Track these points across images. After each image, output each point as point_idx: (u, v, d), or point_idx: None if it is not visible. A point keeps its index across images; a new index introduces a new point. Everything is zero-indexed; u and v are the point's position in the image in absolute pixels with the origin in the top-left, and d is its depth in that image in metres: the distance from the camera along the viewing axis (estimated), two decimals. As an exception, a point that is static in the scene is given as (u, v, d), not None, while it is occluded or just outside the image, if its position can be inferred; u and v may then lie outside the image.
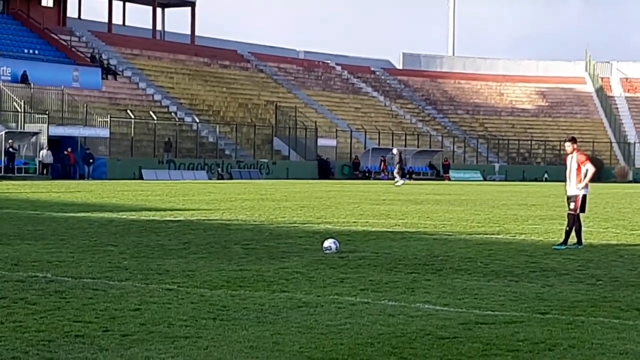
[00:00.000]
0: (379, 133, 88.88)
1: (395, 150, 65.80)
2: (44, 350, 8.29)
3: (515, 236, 21.30)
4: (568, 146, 18.88)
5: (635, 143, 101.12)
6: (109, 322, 9.74)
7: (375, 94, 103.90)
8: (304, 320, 10.13)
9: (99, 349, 8.42)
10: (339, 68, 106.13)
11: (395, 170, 62.81)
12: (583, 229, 19.29)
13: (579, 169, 18.66)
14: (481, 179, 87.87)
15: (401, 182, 59.82)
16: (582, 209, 18.79)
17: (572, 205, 18.67)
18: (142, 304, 10.92)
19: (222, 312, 10.51)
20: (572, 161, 18.67)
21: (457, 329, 9.75)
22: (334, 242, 16.92)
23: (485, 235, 21.36)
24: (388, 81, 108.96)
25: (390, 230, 22.38)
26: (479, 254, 17.13)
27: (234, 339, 9.05)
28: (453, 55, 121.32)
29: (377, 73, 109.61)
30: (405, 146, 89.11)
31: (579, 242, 18.62)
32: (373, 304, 11.33)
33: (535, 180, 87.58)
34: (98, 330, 9.30)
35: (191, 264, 14.99)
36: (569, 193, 18.92)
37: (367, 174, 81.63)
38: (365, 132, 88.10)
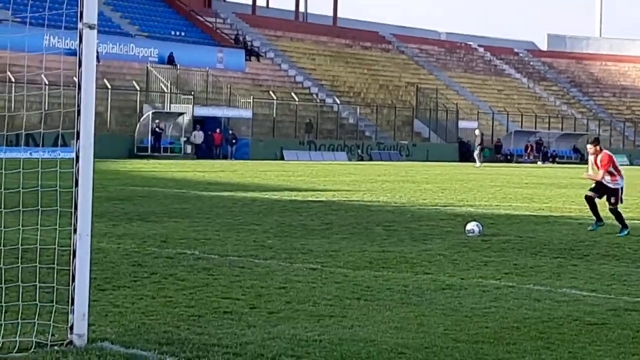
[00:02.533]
0: (522, 116, 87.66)
1: (477, 132, 64.86)
2: (194, 325, 8.50)
3: (664, 222, 20.73)
4: (590, 148, 18.41)
5: None
6: (256, 300, 9.92)
7: (518, 75, 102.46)
8: (448, 302, 10.12)
9: (246, 326, 8.59)
10: (481, 49, 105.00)
11: (476, 152, 62.17)
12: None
13: (600, 167, 18.14)
14: (628, 163, 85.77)
15: (478, 164, 59.49)
16: (618, 201, 18.22)
17: (612, 200, 18.07)
18: (287, 283, 11.08)
19: (366, 293, 10.57)
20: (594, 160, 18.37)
21: (606, 315, 9.58)
22: (477, 225, 16.80)
23: (634, 221, 20.84)
24: (532, 63, 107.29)
25: (534, 214, 22.08)
26: (627, 240, 16.78)
27: (379, 319, 9.10)
28: (599, 36, 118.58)
29: (521, 54, 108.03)
30: (549, 129, 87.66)
31: (599, 221, 18.34)
32: (518, 288, 11.23)
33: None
34: (245, 307, 9.48)
35: (334, 244, 15.11)
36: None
37: (508, 157, 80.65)
38: (508, 114, 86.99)
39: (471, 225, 16.80)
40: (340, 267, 12.57)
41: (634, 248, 15.52)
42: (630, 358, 7.84)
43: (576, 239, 16.70)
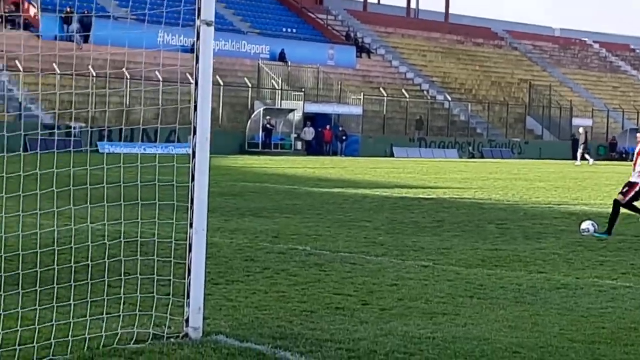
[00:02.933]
0: (638, 113, 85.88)
1: (581, 130, 63.43)
2: (306, 321, 8.55)
3: None
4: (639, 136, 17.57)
5: None
6: (368, 296, 9.92)
7: (634, 72, 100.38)
8: (564, 302, 9.97)
9: (359, 322, 8.60)
10: (596, 46, 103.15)
11: (579, 151, 60.86)
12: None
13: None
14: None
15: (591, 161, 58.22)
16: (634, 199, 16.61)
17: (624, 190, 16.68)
18: (399, 280, 11.06)
19: (478, 291, 10.49)
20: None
21: None
22: (592, 224, 16.50)
23: None
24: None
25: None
26: None
27: (492, 317, 9.02)
28: None
29: (637, 51, 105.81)
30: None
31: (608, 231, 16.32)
32: (635, 288, 11.01)
33: None
34: (357, 304, 9.49)
35: (445, 241, 15.03)
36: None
37: (624, 155, 79.07)
38: (623, 111, 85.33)
39: (586, 224, 16.50)
40: (452, 264, 12.49)
41: None
42: None
43: (695, 240, 16.28)
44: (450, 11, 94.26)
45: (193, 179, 7.68)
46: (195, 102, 7.65)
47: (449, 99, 76.34)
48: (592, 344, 8.04)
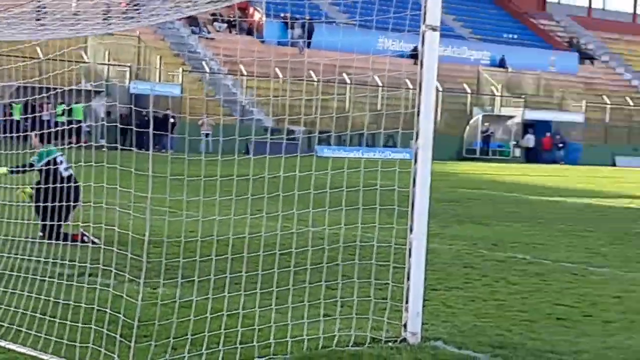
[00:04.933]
0: None
1: None
2: (526, 330, 8.41)
3: None
4: None
5: None
6: (590, 308, 9.67)
7: None
8: None
9: (581, 334, 8.39)
10: None
11: None
12: None
13: None
14: None
15: None
16: None
17: None
18: (623, 292, 10.72)
19: None
20: None
21: None
22: None
23: None
24: None
25: None
26: None
27: None
28: None
29: None
30: None
31: None
32: None
33: None
34: (579, 315, 9.26)
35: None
36: None
37: None
38: None
39: None
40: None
41: None
42: None
43: None
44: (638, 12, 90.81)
45: (414, 184, 7.68)
46: (419, 107, 7.65)
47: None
48: None
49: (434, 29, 7.49)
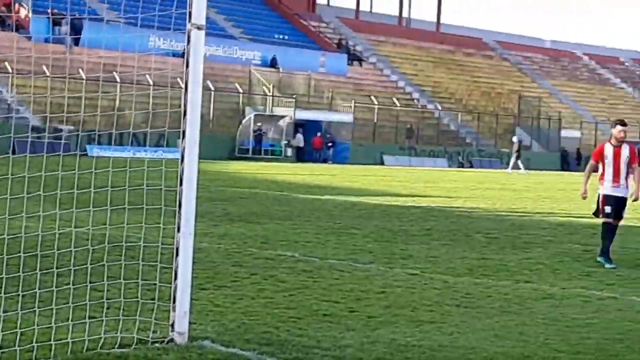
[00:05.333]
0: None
1: (515, 139, 63.37)
2: (293, 327, 8.53)
3: None
4: (621, 131, 14.38)
5: None
6: (355, 303, 9.91)
7: (623, 85, 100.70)
8: (550, 312, 9.98)
9: (346, 329, 8.58)
10: (586, 58, 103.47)
11: (512, 160, 60.80)
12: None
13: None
14: None
15: (521, 170, 58.16)
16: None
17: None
18: (387, 287, 11.05)
19: (465, 300, 10.49)
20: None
21: None
22: None
23: None
24: (638, 72, 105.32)
25: (639, 225, 21.63)
26: None
27: (479, 327, 9.03)
28: None
29: (627, 64, 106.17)
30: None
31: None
32: (621, 299, 11.03)
33: None
34: (345, 311, 9.47)
35: (433, 250, 15.03)
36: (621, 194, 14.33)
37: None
38: (611, 124, 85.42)
39: None
40: (440, 273, 12.49)
41: None
42: None
43: (682, 252, 16.32)
44: (442, 21, 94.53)
45: (181, 183, 7.66)
46: (185, 106, 7.63)
47: (439, 108, 76.49)
48: (576, 354, 8.04)
49: (199, 27, 7.48)
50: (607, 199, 14.25)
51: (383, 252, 14.36)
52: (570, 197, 32.49)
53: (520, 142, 63.11)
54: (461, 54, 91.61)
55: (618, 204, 14.25)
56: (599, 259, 14.20)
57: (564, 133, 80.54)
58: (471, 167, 69.62)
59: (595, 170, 14.51)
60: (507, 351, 8.01)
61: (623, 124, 14.47)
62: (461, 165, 69.57)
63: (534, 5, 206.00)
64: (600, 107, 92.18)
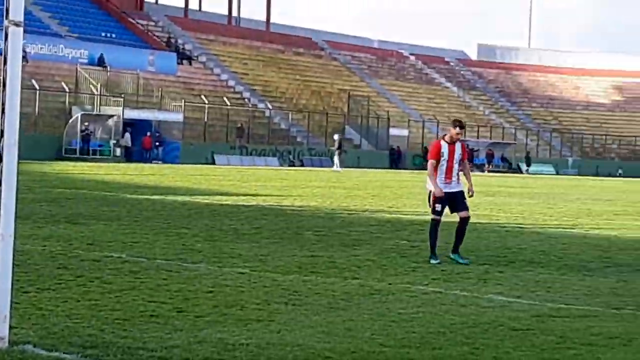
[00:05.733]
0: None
1: (336, 136, 65.09)
2: (119, 329, 8.39)
3: (588, 231, 21.06)
4: (459, 133, 14.55)
5: None
6: (183, 303, 9.83)
7: (448, 84, 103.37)
8: (376, 307, 10.13)
9: (173, 329, 8.50)
10: (412, 58, 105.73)
11: (336, 156, 62.43)
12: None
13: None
14: (554, 172, 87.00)
15: (339, 168, 59.66)
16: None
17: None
18: (216, 287, 11.01)
19: (294, 297, 10.55)
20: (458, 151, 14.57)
21: (530, 321, 9.67)
22: None
23: (559, 229, 21.16)
24: (462, 72, 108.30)
25: (462, 221, 22.21)
26: (552, 248, 16.96)
27: (307, 323, 9.08)
28: (529, 47, 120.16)
29: (452, 64, 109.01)
30: (478, 138, 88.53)
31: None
32: (445, 293, 11.29)
33: (609, 175, 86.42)
34: (172, 311, 9.39)
35: (263, 248, 15.06)
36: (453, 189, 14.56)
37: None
38: (438, 122, 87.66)
39: None
40: (269, 271, 12.52)
41: (558, 256, 15.71)
42: (554, 363, 7.91)
43: (503, 246, 16.86)
44: (272, 20, 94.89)
45: (0, 184, 7.43)
46: (3, 105, 7.41)
47: (270, 107, 76.84)
48: (402, 348, 8.18)
49: (17, 24, 7.27)
50: (438, 196, 14.44)
51: (212, 252, 14.31)
52: (398, 194, 33.16)
53: (341, 139, 63.85)
54: (291, 53, 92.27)
55: (450, 200, 14.45)
56: (452, 256, 14.35)
57: (392, 131, 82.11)
58: (302, 165, 70.21)
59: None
60: (333, 347, 8.08)
61: (462, 126, 14.68)
62: (292, 164, 70.07)
63: (362, 6, 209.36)
64: (427, 106, 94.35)
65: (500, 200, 31.90)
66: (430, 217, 14.71)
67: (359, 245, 16.20)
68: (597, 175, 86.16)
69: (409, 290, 11.42)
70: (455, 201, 14.49)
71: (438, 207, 14.43)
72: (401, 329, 8.98)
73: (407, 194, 33.31)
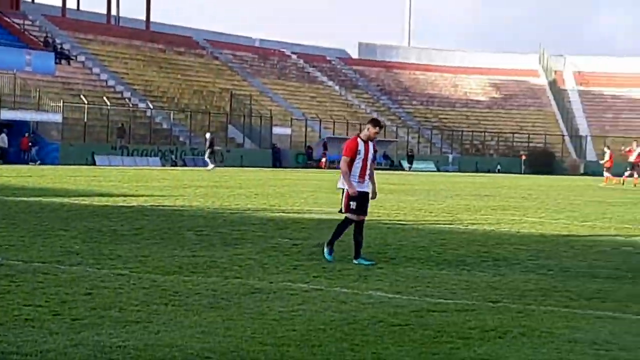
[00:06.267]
0: (334, 122, 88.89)
1: (207, 135, 65.39)
2: (-7, 334, 8.21)
3: (467, 226, 21.43)
4: (377, 132, 14.55)
5: (587, 136, 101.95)
6: (60, 306, 9.66)
7: (330, 83, 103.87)
8: (257, 306, 10.12)
9: (48, 333, 8.35)
10: (294, 56, 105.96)
11: (206, 155, 62.78)
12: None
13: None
14: (435, 169, 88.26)
15: (211, 166, 60.03)
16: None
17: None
18: (94, 289, 10.85)
19: (174, 298, 10.47)
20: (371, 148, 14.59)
21: (409, 316, 9.79)
22: None
23: (439, 225, 21.47)
24: (344, 70, 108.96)
25: (344, 218, 22.36)
26: (432, 243, 17.20)
27: (186, 324, 9.03)
28: (409, 46, 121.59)
29: (333, 62, 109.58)
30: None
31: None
32: (326, 291, 11.35)
33: (488, 171, 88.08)
34: (48, 315, 9.22)
35: (144, 249, 14.92)
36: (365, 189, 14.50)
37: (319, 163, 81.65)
38: (320, 121, 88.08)
39: None
40: (149, 272, 12.40)
41: (437, 251, 15.94)
42: (431, 357, 8.01)
43: (383, 243, 17.02)
44: (152, 19, 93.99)
45: None
46: None
47: (151, 107, 76.09)
48: (282, 346, 8.19)
49: None
50: (353, 194, 14.26)
51: (91, 253, 14.11)
52: (281, 192, 33.20)
53: (212, 138, 63.63)
54: (172, 52, 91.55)
55: (363, 200, 14.38)
56: (355, 261, 14.09)
57: (275, 130, 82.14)
58: (184, 165, 69.72)
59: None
60: (213, 347, 8.05)
61: (380, 125, 14.64)
62: (174, 164, 69.53)
63: (243, 5, 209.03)
64: (309, 105, 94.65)
65: (381, 197, 32.12)
66: (343, 215, 14.42)
67: (240, 244, 16.16)
68: (476, 171, 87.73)
69: (290, 288, 11.44)
70: (363, 202, 14.40)
71: (353, 205, 14.28)
72: (281, 327, 8.99)
73: (289, 193, 33.37)
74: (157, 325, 8.90)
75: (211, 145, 62.03)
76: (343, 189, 14.45)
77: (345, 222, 14.41)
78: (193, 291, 10.96)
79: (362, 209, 14.34)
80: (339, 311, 9.96)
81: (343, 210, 14.47)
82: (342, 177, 14.41)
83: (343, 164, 14.36)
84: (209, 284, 11.56)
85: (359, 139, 14.48)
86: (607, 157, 55.06)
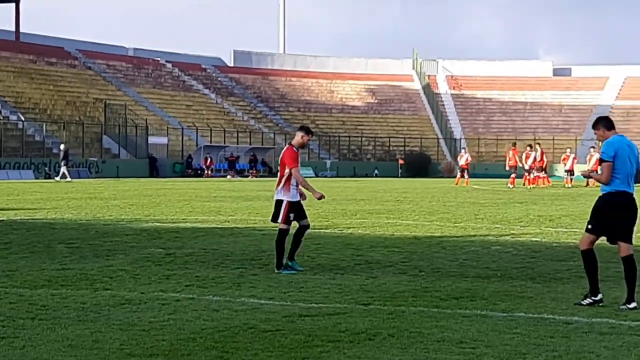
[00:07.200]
0: (211, 131, 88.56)
1: (62, 147, 64.99)
2: None
3: (342, 230, 21.57)
4: (309, 137, 14.90)
5: (460, 139, 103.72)
6: None
7: (206, 91, 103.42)
8: (126, 317, 9.99)
9: None
10: (169, 65, 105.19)
11: (63, 168, 62.19)
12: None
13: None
14: (313, 175, 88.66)
15: (60, 178, 59.70)
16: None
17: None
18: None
19: (41, 312, 10.26)
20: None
21: (281, 321, 9.78)
22: None
23: (314, 230, 21.47)
24: (219, 78, 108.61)
25: (220, 226, 22.32)
26: (306, 248, 17.18)
27: (52, 338, 8.85)
28: (284, 53, 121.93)
29: (209, 70, 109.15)
30: (238, 143, 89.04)
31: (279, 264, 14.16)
32: (198, 299, 11.27)
33: (366, 176, 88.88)
34: None
35: (12, 264, 14.60)
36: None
37: (199, 172, 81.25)
38: (197, 129, 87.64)
39: None
40: (16, 286, 12.14)
41: (312, 256, 15.97)
42: (301, 362, 8.03)
43: (258, 249, 17.00)
44: (22, 30, 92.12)
45: None
46: None
47: (23, 119, 74.59)
48: (150, 357, 8.10)
49: None
50: (292, 206, 14.16)
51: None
52: (156, 202, 32.89)
53: (67, 149, 62.68)
54: (43, 63, 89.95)
55: (300, 207, 14.33)
56: (290, 263, 14.10)
57: (151, 140, 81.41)
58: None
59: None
60: (79, 360, 7.91)
61: (312, 132, 14.78)
62: (48, 177, 68.25)
63: (115, 14, 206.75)
64: (185, 114, 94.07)
65: (257, 204, 32.17)
66: (278, 227, 14.20)
67: (112, 255, 15.95)
68: (354, 176, 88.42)
69: (161, 298, 11.33)
70: (300, 209, 14.35)
71: (291, 216, 14.19)
72: (151, 338, 8.89)
73: (165, 202, 33.09)
74: (22, 340, 8.71)
75: (65, 156, 60.96)
76: (283, 200, 14.24)
77: (282, 235, 14.14)
78: (61, 304, 10.76)
79: (299, 217, 14.26)
80: (210, 319, 9.90)
81: (280, 221, 14.18)
82: (279, 188, 14.25)
83: (298, 173, 14.27)
84: (78, 296, 11.37)
85: (294, 148, 14.52)
86: (509, 159, 53.76)
